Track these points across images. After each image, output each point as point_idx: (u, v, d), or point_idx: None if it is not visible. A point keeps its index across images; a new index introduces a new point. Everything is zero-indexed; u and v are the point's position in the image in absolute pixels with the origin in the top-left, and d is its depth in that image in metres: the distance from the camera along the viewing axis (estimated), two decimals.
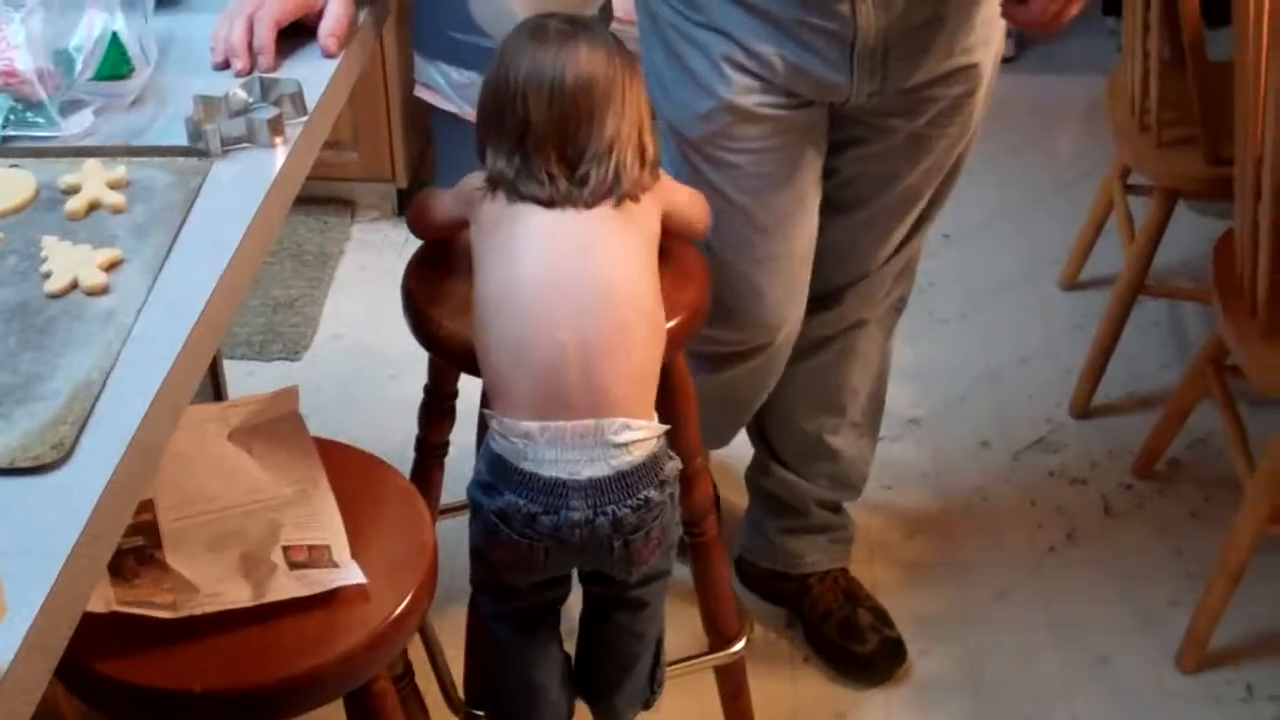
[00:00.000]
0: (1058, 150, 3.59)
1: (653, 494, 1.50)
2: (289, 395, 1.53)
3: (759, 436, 2.19)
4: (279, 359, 2.81)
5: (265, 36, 1.44)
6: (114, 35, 1.38)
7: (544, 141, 1.47)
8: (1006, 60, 3.88)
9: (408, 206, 1.75)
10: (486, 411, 1.53)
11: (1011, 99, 3.74)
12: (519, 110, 1.47)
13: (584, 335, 1.45)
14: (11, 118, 1.34)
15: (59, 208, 1.24)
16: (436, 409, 1.85)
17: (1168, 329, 2.86)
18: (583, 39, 1.49)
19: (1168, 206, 2.48)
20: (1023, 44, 3.99)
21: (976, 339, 2.88)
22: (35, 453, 0.98)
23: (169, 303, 1.13)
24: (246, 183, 1.29)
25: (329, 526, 1.39)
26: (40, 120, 1.34)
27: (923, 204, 1.92)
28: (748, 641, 1.92)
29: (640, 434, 1.48)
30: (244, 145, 1.34)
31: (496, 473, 1.50)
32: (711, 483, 1.91)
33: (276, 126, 1.34)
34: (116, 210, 1.23)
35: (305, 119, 1.39)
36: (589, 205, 1.47)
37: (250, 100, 1.40)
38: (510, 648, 1.65)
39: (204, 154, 1.31)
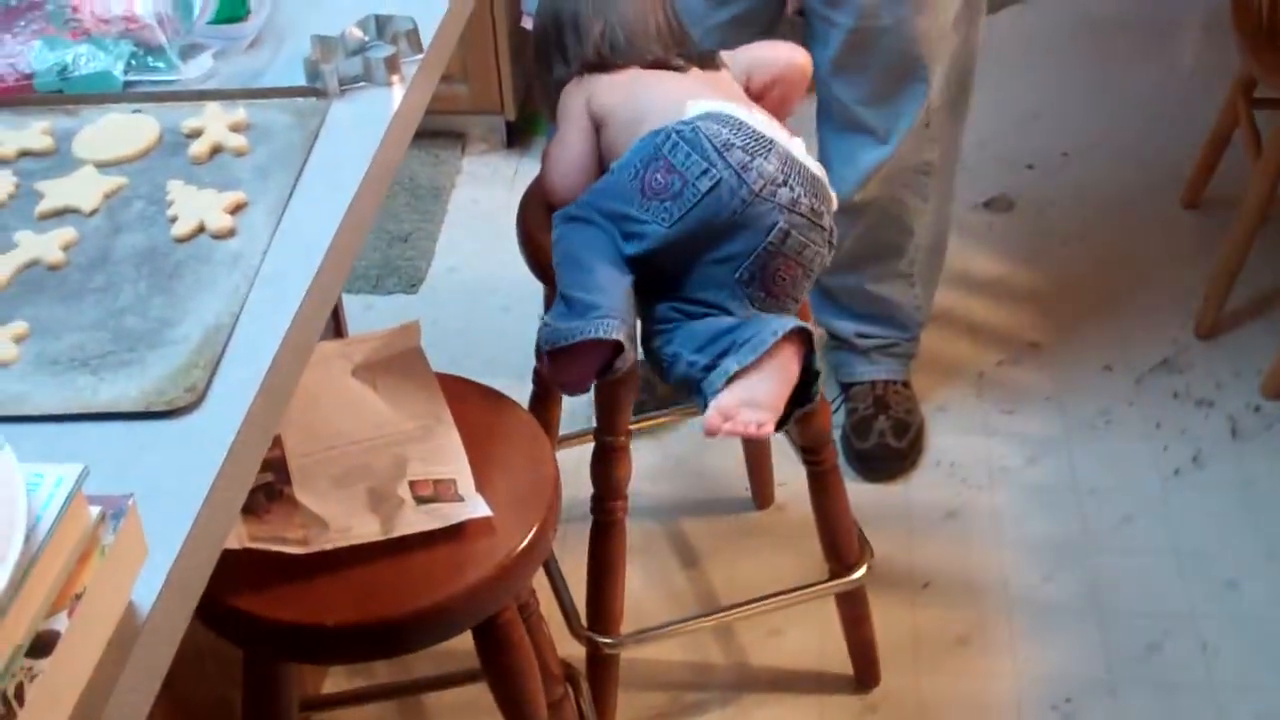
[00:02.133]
0: (1178, 63, 3.49)
1: (828, 217, 1.48)
2: (411, 330, 1.54)
3: None
4: (396, 292, 2.83)
5: None
6: None
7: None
8: None
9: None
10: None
11: (1129, 12, 3.66)
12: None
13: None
14: (133, 63, 1.36)
15: (183, 152, 1.25)
16: None
17: None
18: None
19: None
20: None
21: (1096, 260, 2.82)
22: (169, 396, 0.99)
23: (294, 244, 1.14)
24: (365, 121, 1.30)
25: (454, 460, 1.40)
26: (160, 65, 1.36)
27: None
28: (868, 568, 1.92)
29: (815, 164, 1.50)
30: (361, 84, 1.34)
31: (685, 138, 1.46)
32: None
33: (393, 64, 1.34)
34: (239, 153, 1.24)
35: (421, 56, 1.39)
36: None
37: (366, 39, 1.40)
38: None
39: (322, 94, 1.32)
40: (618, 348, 1.41)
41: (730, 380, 1.38)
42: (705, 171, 1.43)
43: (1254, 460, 2.36)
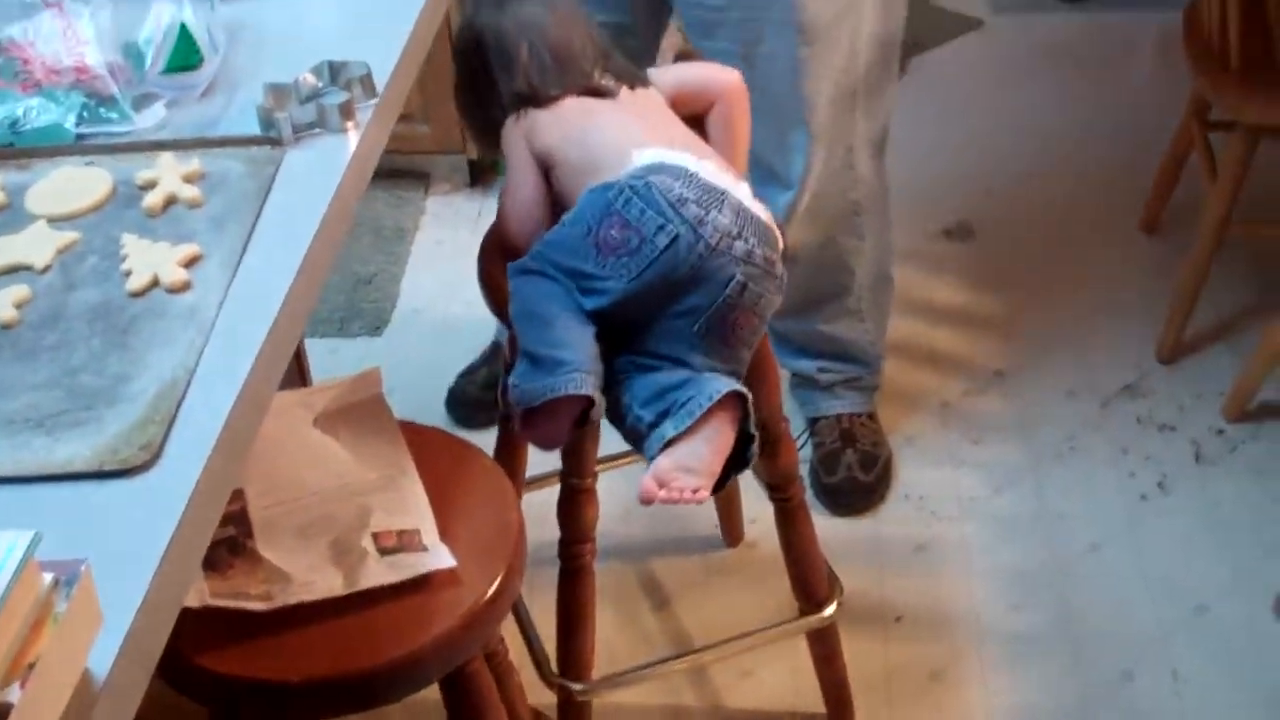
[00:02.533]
0: (1134, 90, 3.51)
1: (780, 264, 1.48)
2: (372, 377, 1.53)
3: None
4: (361, 335, 2.82)
5: None
6: (182, 26, 1.37)
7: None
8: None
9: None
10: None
11: (1084, 38, 3.69)
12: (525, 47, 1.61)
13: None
14: (85, 114, 1.34)
15: (136, 204, 1.24)
16: None
17: (1253, 268, 2.80)
18: None
19: (1250, 144, 2.42)
20: None
21: (1058, 285, 2.83)
22: (124, 455, 0.98)
23: (250, 296, 1.13)
24: (320, 169, 1.29)
25: (417, 510, 1.39)
26: (113, 115, 1.34)
27: None
28: (839, 605, 1.91)
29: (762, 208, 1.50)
30: (316, 131, 1.33)
31: (638, 193, 1.44)
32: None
33: (347, 110, 1.34)
34: (193, 204, 1.23)
35: (375, 101, 1.38)
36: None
37: (320, 85, 1.39)
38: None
39: (276, 142, 1.31)
40: (589, 401, 1.40)
41: (666, 445, 1.37)
42: (662, 227, 1.42)
43: (1218, 483, 2.37)
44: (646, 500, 1.36)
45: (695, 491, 1.36)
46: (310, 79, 1.38)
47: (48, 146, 1.32)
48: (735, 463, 1.41)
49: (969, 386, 2.60)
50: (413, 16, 1.49)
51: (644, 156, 1.48)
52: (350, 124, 1.34)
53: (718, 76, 1.67)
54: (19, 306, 1.13)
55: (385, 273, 2.99)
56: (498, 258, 1.64)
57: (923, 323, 2.74)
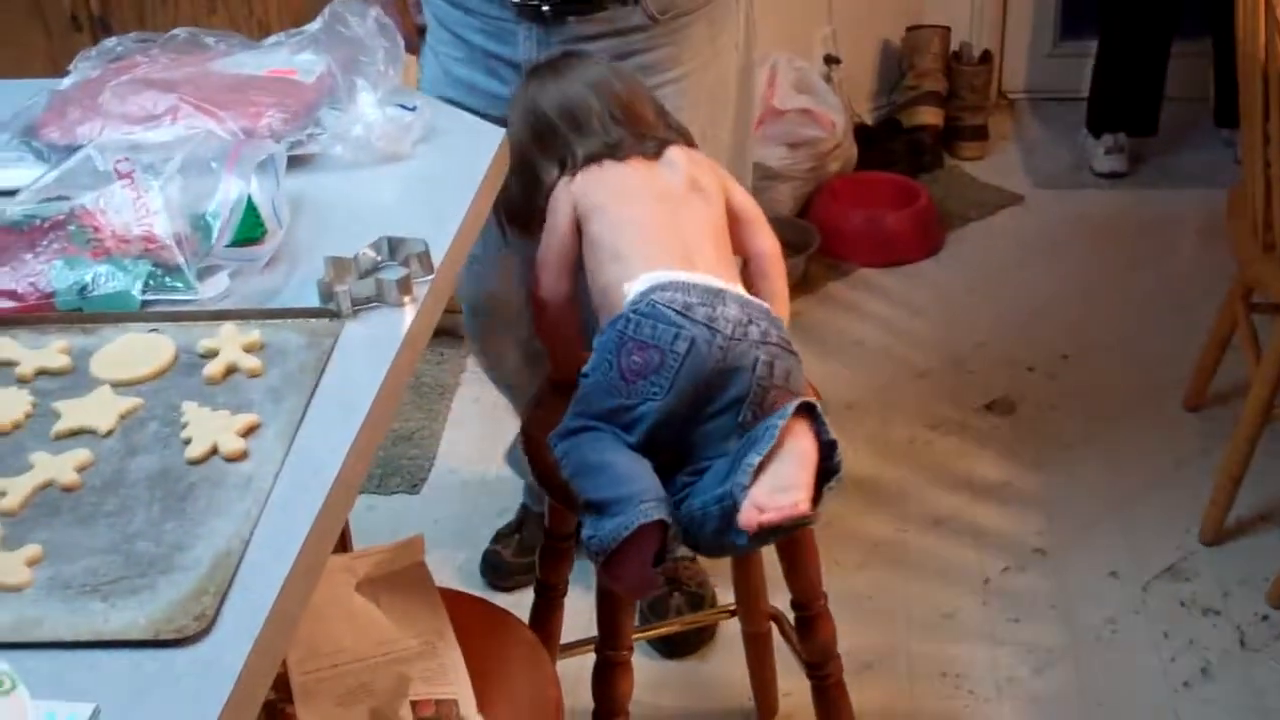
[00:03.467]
0: (1175, 267, 3.55)
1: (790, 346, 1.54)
2: (415, 545, 1.54)
3: None
4: (399, 492, 2.84)
5: None
6: (249, 201, 1.42)
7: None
8: (1118, 175, 3.90)
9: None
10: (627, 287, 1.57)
11: (1125, 215, 3.74)
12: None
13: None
14: (151, 283, 1.38)
15: (197, 372, 1.27)
16: (553, 551, 1.87)
17: None
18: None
19: None
20: (1136, 158, 3.98)
21: (1101, 464, 2.83)
22: (179, 624, 0.99)
23: (305, 467, 1.15)
24: (376, 342, 1.32)
25: (456, 680, 1.40)
26: (178, 285, 1.38)
27: None
28: None
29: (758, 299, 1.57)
30: (373, 304, 1.37)
31: (645, 314, 1.50)
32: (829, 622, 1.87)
33: (405, 286, 1.37)
34: (253, 374, 1.26)
35: (431, 277, 1.42)
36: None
37: (379, 259, 1.43)
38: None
39: (335, 315, 1.34)
40: (664, 525, 1.42)
41: (755, 474, 1.39)
42: (677, 335, 1.47)
43: (1263, 672, 2.34)
44: (749, 526, 1.37)
45: (796, 505, 1.37)
46: (370, 254, 1.42)
47: (114, 312, 1.36)
48: (824, 474, 1.43)
49: (1009, 563, 2.59)
50: (468, 197, 1.53)
51: (637, 285, 1.54)
52: (407, 298, 1.37)
53: (765, 236, 1.73)
54: (81, 470, 1.15)
55: (425, 429, 3.03)
56: (543, 422, 1.67)
57: (963, 497, 2.74)
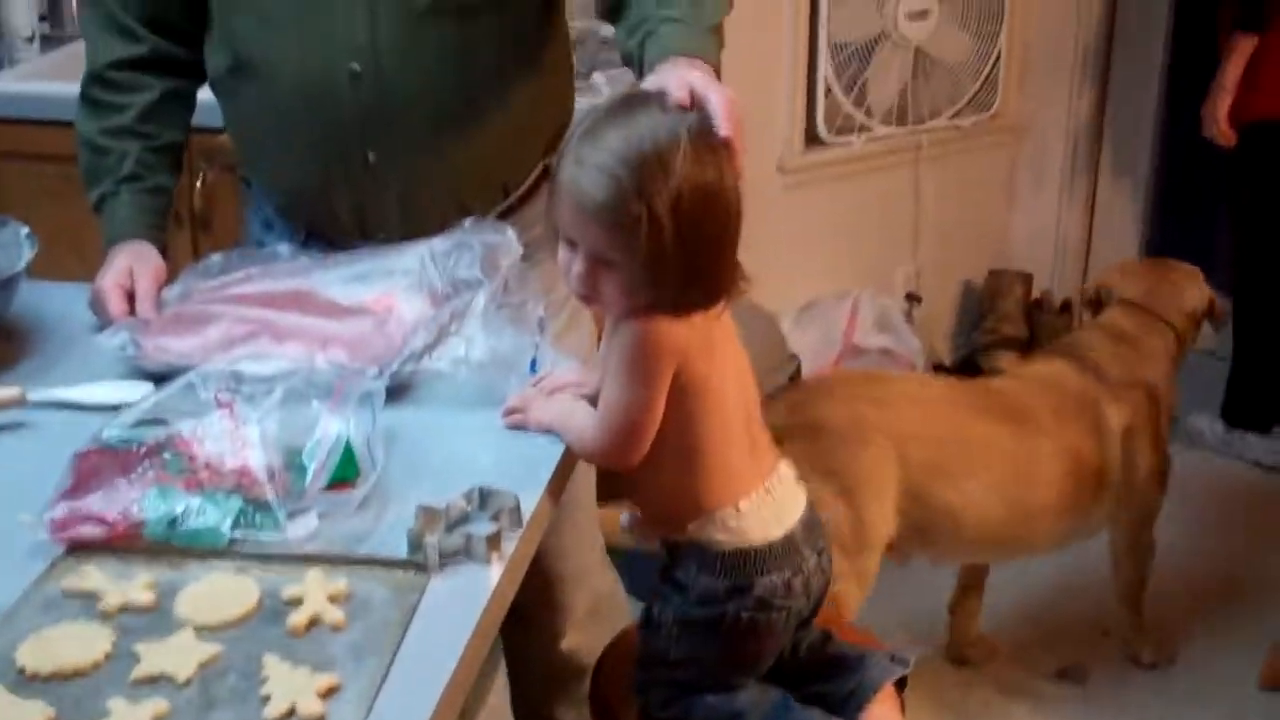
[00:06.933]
0: (1257, 532, 3.47)
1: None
2: None
3: None
4: None
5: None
6: (347, 443, 1.42)
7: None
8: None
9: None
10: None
11: (1200, 469, 3.67)
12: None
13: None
14: (241, 519, 1.38)
15: (281, 621, 1.25)
16: None
17: None
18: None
19: None
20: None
21: None
22: None
23: None
24: (462, 600, 1.30)
25: None
26: (267, 523, 1.37)
27: None
28: None
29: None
30: (460, 559, 1.35)
31: (736, 569, 1.51)
32: None
33: (494, 543, 1.35)
34: (336, 628, 1.24)
35: (520, 531, 1.40)
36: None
37: (469, 508, 1.41)
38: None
39: (422, 567, 1.33)
40: None
41: None
42: (788, 616, 1.54)
43: None
44: None
45: None
46: (461, 504, 1.41)
47: (201, 548, 1.35)
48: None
49: None
50: (560, 450, 1.53)
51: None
52: (495, 555, 1.36)
53: None
54: None
55: None
56: (613, 677, 1.64)
57: None
